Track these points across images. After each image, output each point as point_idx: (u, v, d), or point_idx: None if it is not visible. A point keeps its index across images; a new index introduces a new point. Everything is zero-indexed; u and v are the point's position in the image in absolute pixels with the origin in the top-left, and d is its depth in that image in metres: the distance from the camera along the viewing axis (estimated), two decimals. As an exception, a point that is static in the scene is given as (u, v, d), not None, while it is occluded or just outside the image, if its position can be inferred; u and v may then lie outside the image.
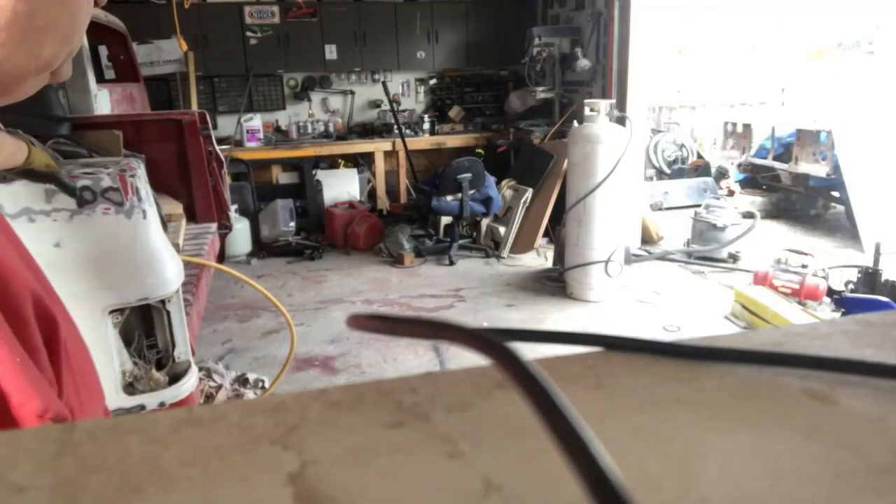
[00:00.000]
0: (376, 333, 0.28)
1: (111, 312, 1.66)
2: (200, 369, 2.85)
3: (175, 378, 1.79)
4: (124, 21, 4.27)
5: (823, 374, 0.27)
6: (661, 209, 6.73)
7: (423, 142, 6.59)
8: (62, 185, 1.55)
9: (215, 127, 5.64)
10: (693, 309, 4.08)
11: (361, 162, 6.66)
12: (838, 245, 5.60)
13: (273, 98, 6.59)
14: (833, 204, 6.38)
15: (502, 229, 5.30)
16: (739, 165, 7.27)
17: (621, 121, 4.30)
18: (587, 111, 4.15)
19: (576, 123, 4.32)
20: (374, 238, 5.54)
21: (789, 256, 4.06)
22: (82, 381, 0.54)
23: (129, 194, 1.65)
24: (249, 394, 2.93)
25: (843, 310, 3.72)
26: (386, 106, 6.55)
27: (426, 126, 6.75)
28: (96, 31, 3.85)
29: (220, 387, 2.92)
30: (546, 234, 5.28)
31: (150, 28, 5.37)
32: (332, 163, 6.56)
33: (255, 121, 6.13)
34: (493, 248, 5.32)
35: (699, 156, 8.06)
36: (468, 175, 4.96)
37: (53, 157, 1.51)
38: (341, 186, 6.16)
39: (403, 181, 6.60)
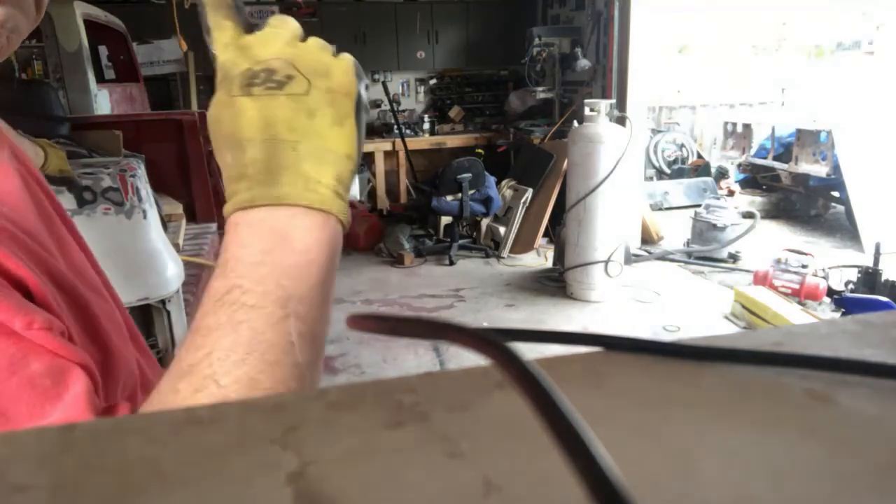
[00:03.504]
0: (376, 333, 0.28)
1: (111, 312, 1.65)
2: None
3: (175, 378, 1.79)
4: (124, 21, 4.28)
5: (823, 374, 0.27)
6: (661, 209, 6.73)
7: (423, 142, 6.59)
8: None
9: (215, 127, 5.63)
10: (693, 309, 4.08)
11: (361, 162, 6.66)
12: (838, 245, 5.60)
13: (273, 98, 6.59)
14: (833, 204, 6.37)
15: (502, 229, 5.30)
16: (739, 165, 7.27)
17: (621, 121, 4.30)
18: (587, 111, 4.15)
19: (576, 123, 4.32)
20: (374, 238, 5.54)
21: (789, 256, 4.06)
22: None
23: (129, 194, 1.65)
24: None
25: (843, 310, 3.72)
26: (386, 106, 6.55)
27: (426, 126, 6.75)
28: (96, 31, 3.85)
29: (220, 387, 2.91)
30: (546, 234, 5.28)
31: (150, 28, 5.36)
32: (332, 163, 6.55)
33: (256, 121, 6.12)
34: (493, 248, 5.32)
35: (699, 156, 8.06)
36: (468, 175, 4.96)
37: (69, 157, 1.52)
38: (341, 186, 6.15)
39: (403, 181, 6.60)
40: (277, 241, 0.42)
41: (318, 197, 0.42)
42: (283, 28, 0.44)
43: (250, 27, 0.45)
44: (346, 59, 0.45)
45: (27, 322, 0.39)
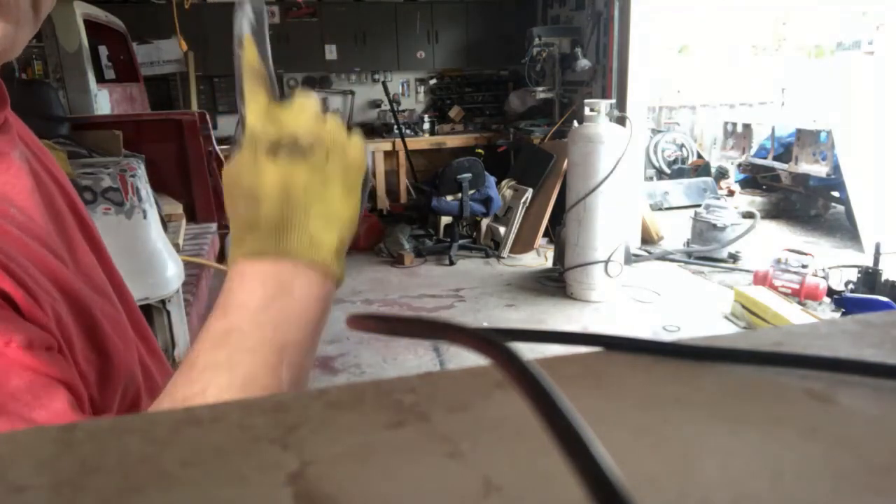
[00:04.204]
0: (376, 333, 0.28)
1: (111, 312, 1.65)
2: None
3: (175, 378, 1.79)
4: (124, 21, 4.28)
5: (823, 374, 0.27)
6: (661, 209, 6.73)
7: (423, 142, 6.59)
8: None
9: (215, 127, 5.63)
10: (693, 309, 4.08)
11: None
12: (838, 245, 5.60)
13: (273, 98, 6.59)
14: (833, 204, 6.37)
15: (502, 229, 5.30)
16: (739, 165, 7.27)
17: (621, 121, 4.30)
18: (587, 111, 4.15)
19: (576, 123, 4.32)
20: (374, 238, 5.54)
21: (789, 256, 4.06)
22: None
23: (129, 194, 1.65)
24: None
25: (843, 310, 3.72)
26: (386, 106, 6.55)
27: (426, 126, 6.75)
28: (96, 31, 3.85)
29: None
30: (546, 234, 5.28)
31: (150, 28, 5.36)
32: (332, 163, 6.56)
33: (256, 121, 6.12)
34: (493, 248, 5.32)
35: (699, 156, 8.06)
36: (468, 175, 4.96)
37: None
38: (341, 186, 6.15)
39: (403, 181, 6.60)
40: (279, 291, 0.45)
41: (321, 256, 0.46)
42: (308, 104, 0.49)
43: (277, 98, 0.50)
44: (358, 138, 0.51)
45: (5, 341, 0.40)
